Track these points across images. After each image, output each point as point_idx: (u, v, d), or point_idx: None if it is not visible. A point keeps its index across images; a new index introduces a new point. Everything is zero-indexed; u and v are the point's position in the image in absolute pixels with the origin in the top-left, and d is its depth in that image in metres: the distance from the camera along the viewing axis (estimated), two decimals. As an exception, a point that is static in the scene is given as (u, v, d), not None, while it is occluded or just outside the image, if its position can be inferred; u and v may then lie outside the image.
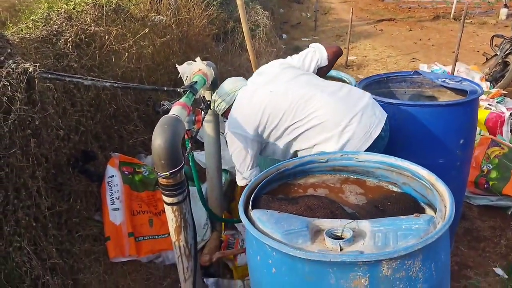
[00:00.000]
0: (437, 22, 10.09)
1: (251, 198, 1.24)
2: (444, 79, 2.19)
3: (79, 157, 2.37)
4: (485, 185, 2.64)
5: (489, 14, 10.56)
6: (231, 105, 1.87)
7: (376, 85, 2.40)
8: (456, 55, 3.93)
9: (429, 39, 8.13)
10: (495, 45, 5.00)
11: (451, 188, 2.09)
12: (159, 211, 2.45)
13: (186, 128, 1.79)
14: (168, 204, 1.49)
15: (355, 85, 2.30)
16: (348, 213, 1.25)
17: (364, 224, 1.08)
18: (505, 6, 9.59)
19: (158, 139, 1.37)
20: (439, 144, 1.95)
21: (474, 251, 2.33)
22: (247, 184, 1.52)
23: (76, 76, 1.78)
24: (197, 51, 4.44)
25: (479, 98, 3.56)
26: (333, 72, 2.57)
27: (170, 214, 1.52)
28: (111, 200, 2.31)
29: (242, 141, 1.80)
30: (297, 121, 1.72)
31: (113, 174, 2.41)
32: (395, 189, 1.42)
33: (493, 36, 5.00)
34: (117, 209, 2.29)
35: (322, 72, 1.98)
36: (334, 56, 2.01)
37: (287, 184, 1.46)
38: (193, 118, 1.78)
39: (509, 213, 2.59)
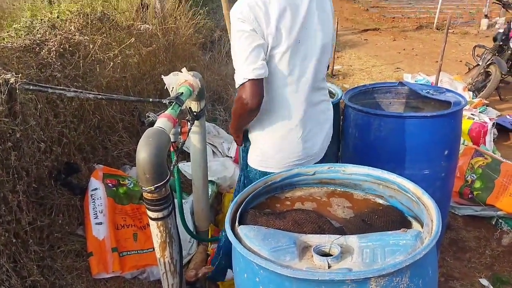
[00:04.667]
0: (421, 32, 10.27)
1: (238, 213, 1.23)
2: (428, 90, 2.21)
3: (61, 170, 2.32)
4: (470, 195, 2.67)
5: (471, 24, 10.79)
6: None
7: (362, 96, 2.41)
8: (440, 65, 3.99)
9: (413, 49, 8.26)
10: (477, 55, 5.11)
11: (436, 198, 2.10)
12: (144, 225, 2.40)
13: (172, 140, 1.77)
14: (152, 219, 1.46)
15: (341, 96, 2.32)
16: (336, 227, 1.24)
17: (352, 240, 1.07)
18: (486, 16, 9.83)
19: (143, 153, 1.34)
20: (424, 155, 1.97)
21: (460, 262, 2.34)
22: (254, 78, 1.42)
23: (59, 87, 1.74)
24: (183, 60, 4.42)
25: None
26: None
27: (155, 230, 1.49)
28: (94, 214, 2.26)
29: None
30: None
31: (96, 186, 2.36)
32: (382, 202, 1.42)
33: (475, 46, 5.11)
34: (100, 223, 2.23)
35: None
36: None
37: (274, 198, 1.45)
38: (179, 130, 1.77)
39: (493, 223, 2.62)
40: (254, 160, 1.70)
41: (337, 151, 2.38)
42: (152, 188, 1.36)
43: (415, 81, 4.70)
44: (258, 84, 1.47)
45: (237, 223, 1.16)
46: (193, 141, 2.19)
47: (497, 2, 4.97)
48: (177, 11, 4.71)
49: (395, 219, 1.29)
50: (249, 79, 1.45)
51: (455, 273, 2.27)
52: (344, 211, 1.37)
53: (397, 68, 6.84)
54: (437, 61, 7.32)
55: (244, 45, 1.46)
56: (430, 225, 1.10)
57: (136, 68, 3.38)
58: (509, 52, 4.63)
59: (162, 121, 1.51)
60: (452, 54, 7.65)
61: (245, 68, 1.45)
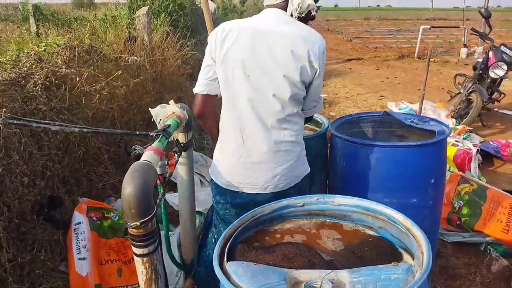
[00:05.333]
0: (402, 61, 10.59)
1: (227, 248, 1.20)
2: (412, 120, 2.25)
3: (44, 204, 2.26)
4: (458, 222, 2.68)
5: (451, 53, 11.20)
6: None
7: (348, 125, 2.44)
8: (423, 94, 4.09)
9: (395, 77, 8.48)
10: (458, 83, 5.26)
11: (425, 227, 2.10)
12: (128, 259, 2.33)
13: (159, 173, 1.75)
14: (138, 255, 1.42)
15: (327, 126, 2.34)
16: (326, 261, 1.22)
17: (343, 275, 1.05)
18: (465, 46, 10.21)
19: (128, 187, 1.32)
20: (411, 184, 1.98)
21: (451, 290, 2.32)
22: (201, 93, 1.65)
23: (44, 121, 1.72)
24: (171, 90, 4.44)
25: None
26: (306, 113, 2.61)
27: (140, 266, 1.44)
28: (77, 249, 2.19)
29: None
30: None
31: (80, 220, 2.30)
32: (371, 233, 1.40)
33: (456, 75, 5.27)
34: (83, 258, 2.16)
35: None
36: (308, 121, 1.93)
37: (263, 231, 1.43)
38: (166, 162, 1.75)
39: (482, 249, 2.62)
40: (210, 168, 1.82)
41: (325, 180, 2.38)
42: (138, 223, 1.33)
43: (399, 109, 4.80)
44: (199, 99, 1.69)
45: (225, 259, 1.14)
46: (180, 172, 2.16)
47: (475, 33, 5.17)
48: (164, 43, 4.78)
49: (385, 251, 1.27)
50: (195, 92, 1.68)
51: (447, 303, 2.24)
52: (334, 243, 1.35)
53: (381, 96, 6.99)
54: (419, 89, 7.53)
55: (204, 61, 1.67)
56: (421, 257, 1.09)
57: (123, 99, 3.38)
58: (489, 80, 4.78)
59: (149, 155, 1.49)
60: (434, 82, 7.87)
61: (197, 81, 1.69)
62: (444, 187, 2.20)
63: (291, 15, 1.64)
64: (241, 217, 1.37)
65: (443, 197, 2.20)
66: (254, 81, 1.59)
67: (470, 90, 4.71)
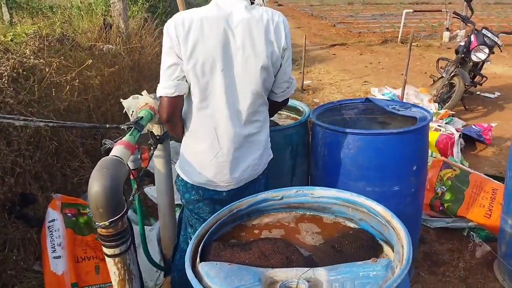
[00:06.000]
0: (386, 46, 10.56)
1: (200, 247, 1.14)
2: (394, 106, 2.21)
3: (16, 201, 2.16)
4: (440, 208, 2.67)
5: (433, 37, 11.19)
6: None
7: (329, 113, 2.39)
8: (405, 80, 4.05)
9: (379, 62, 8.45)
10: (440, 67, 5.25)
11: (407, 214, 2.08)
12: (103, 257, 2.26)
13: (131, 168, 1.67)
14: (109, 256, 1.35)
15: (309, 114, 2.28)
16: (305, 256, 1.17)
17: (321, 273, 1.00)
18: (447, 29, 10.21)
19: (95, 185, 1.24)
20: (393, 172, 1.94)
21: (435, 276, 2.32)
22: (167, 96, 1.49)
23: (7, 116, 1.62)
24: (150, 79, 4.32)
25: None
26: (287, 101, 2.54)
27: (112, 267, 1.38)
28: (52, 248, 2.10)
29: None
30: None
31: (54, 217, 2.21)
32: (352, 225, 1.36)
33: (438, 59, 5.26)
34: (58, 257, 2.08)
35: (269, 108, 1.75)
36: (284, 104, 1.83)
37: (241, 226, 1.37)
38: (139, 156, 1.67)
39: (465, 234, 2.62)
40: (177, 165, 1.71)
41: (307, 170, 2.33)
42: (107, 223, 1.26)
43: (382, 94, 4.77)
44: (168, 102, 1.52)
45: (198, 259, 1.08)
46: (157, 165, 2.09)
47: (456, 16, 5.14)
48: (142, 30, 4.63)
49: (366, 244, 1.23)
50: (160, 95, 1.52)
51: (431, 289, 2.24)
52: (313, 237, 1.30)
53: (365, 81, 6.96)
54: (402, 74, 7.48)
55: (164, 61, 1.51)
56: (401, 252, 1.04)
57: (99, 90, 3.26)
58: (471, 64, 4.77)
59: (119, 149, 1.42)
60: (417, 67, 7.87)
61: (160, 83, 1.52)
62: (426, 173, 2.18)
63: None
64: (217, 213, 1.32)
65: (425, 183, 2.18)
66: (229, 76, 1.50)
67: (452, 74, 4.70)
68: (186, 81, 1.51)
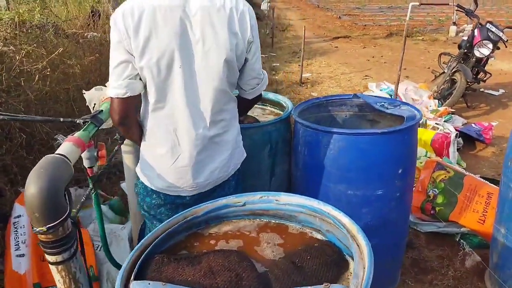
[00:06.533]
0: (391, 39, 10.33)
1: (139, 261, 1.01)
2: (382, 103, 2.06)
3: (-21, 195, 2.06)
4: (432, 211, 2.53)
5: (440, 31, 10.94)
6: None
7: (315, 109, 2.25)
8: (399, 75, 3.88)
9: (382, 56, 8.25)
10: (443, 63, 5.06)
11: (392, 219, 1.94)
12: (76, 253, 2.15)
13: (87, 166, 1.55)
14: (51, 263, 1.24)
15: (291, 109, 2.14)
16: (258, 274, 1.04)
17: (266, 298, 0.87)
18: (454, 24, 9.93)
19: (31, 187, 1.12)
20: (376, 175, 1.80)
21: (421, 285, 2.19)
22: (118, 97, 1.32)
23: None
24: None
25: (425, 119, 3.50)
26: (270, 95, 2.40)
27: (56, 275, 1.27)
28: (15, 245, 2.00)
29: None
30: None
31: (20, 213, 2.10)
32: (319, 236, 1.23)
33: (440, 54, 5.06)
34: (22, 255, 1.97)
35: (240, 106, 1.60)
36: (255, 101, 1.67)
37: (196, 235, 1.24)
38: (95, 153, 1.54)
39: (457, 239, 2.48)
40: (138, 166, 1.56)
41: (289, 169, 2.19)
42: (44, 229, 1.13)
43: (380, 90, 4.60)
44: (119, 103, 1.35)
45: (132, 278, 0.95)
46: (127, 162, 1.97)
47: (460, 9, 4.93)
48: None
49: (330, 259, 1.10)
50: (111, 96, 1.36)
51: (416, 299, 2.11)
52: (273, 250, 1.17)
53: (366, 75, 6.78)
54: (405, 68, 7.34)
55: (112, 57, 1.33)
56: (361, 275, 0.91)
57: (81, 78, 3.13)
58: (474, 59, 4.59)
59: (66, 147, 1.29)
60: (421, 61, 7.66)
61: (110, 83, 1.35)
62: (414, 177, 2.03)
63: None
64: (167, 221, 1.19)
65: (412, 187, 2.04)
66: (188, 72, 1.35)
67: (454, 70, 4.52)
68: (140, 79, 1.35)
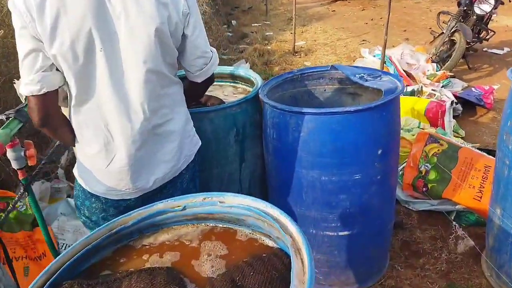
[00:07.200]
0: (391, -1, 9.81)
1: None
2: (362, 75, 1.83)
3: None
4: (424, 188, 2.33)
5: (443, -12, 10.36)
6: None
7: (289, 85, 2.03)
8: (385, 40, 3.58)
9: (381, 18, 7.81)
10: (442, 22, 4.72)
11: (374, 205, 1.75)
12: (39, 255, 2.03)
13: (17, 168, 1.37)
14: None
15: (261, 85, 1.92)
16: (186, 300, 0.87)
17: None
18: (458, -21, 9.40)
19: None
20: (352, 157, 1.60)
21: (412, 270, 2.02)
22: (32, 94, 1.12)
23: None
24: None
25: (421, 85, 3.24)
26: (241, 71, 2.18)
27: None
28: None
29: None
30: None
31: None
32: (270, 243, 1.04)
33: (439, 13, 4.71)
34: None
35: (189, 90, 1.40)
36: (207, 84, 1.44)
37: (126, 249, 1.06)
38: (22, 153, 1.36)
39: (452, 217, 2.29)
40: (75, 167, 1.37)
41: (261, 152, 2.00)
42: None
43: (374, 56, 4.31)
44: (36, 102, 1.15)
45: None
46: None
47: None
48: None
49: (276, 275, 0.92)
50: (24, 94, 1.15)
51: (405, 285, 1.95)
52: (214, 264, 0.99)
53: (363, 40, 6.44)
54: (404, 30, 6.96)
55: (19, 46, 1.10)
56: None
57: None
58: (474, 17, 4.25)
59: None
60: (422, 22, 7.27)
61: (21, 78, 1.13)
62: (398, 156, 1.83)
63: None
64: (87, 236, 1.01)
65: (396, 168, 1.84)
66: (112, 55, 1.13)
67: (453, 30, 4.19)
68: (58, 69, 1.14)
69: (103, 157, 1.24)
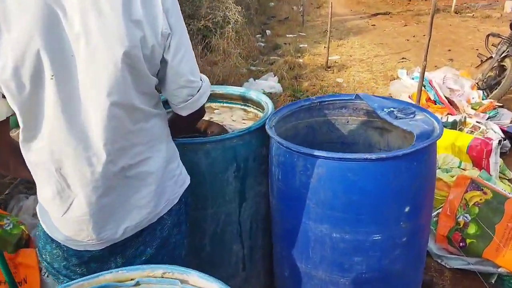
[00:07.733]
0: (436, 16, 9.26)
1: None
2: (391, 110, 1.52)
3: None
4: (461, 243, 1.98)
5: (494, 6, 9.77)
6: None
7: (306, 114, 1.76)
8: (424, 66, 3.22)
9: (424, 35, 7.35)
10: (491, 45, 4.28)
11: (396, 272, 1.42)
12: (20, 281, 1.83)
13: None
14: None
15: (272, 112, 1.65)
16: None
17: None
18: (511, -2, 8.80)
19: None
20: (371, 214, 1.30)
21: None
22: None
23: None
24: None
25: (465, 115, 2.87)
26: (252, 94, 1.92)
27: None
28: None
29: None
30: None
31: None
32: None
33: (488, 35, 4.27)
34: None
35: (174, 122, 1.17)
36: (195, 118, 1.18)
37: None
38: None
39: (493, 282, 1.92)
40: (37, 207, 1.12)
41: (267, 191, 1.72)
42: None
43: (412, 78, 3.94)
44: None
45: None
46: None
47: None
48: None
49: None
50: None
51: None
52: None
53: (403, 58, 6.05)
54: (449, 50, 6.50)
55: None
56: None
57: None
58: (530, 41, 3.80)
59: None
60: (469, 41, 6.78)
61: None
62: (431, 212, 1.50)
63: None
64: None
65: (429, 226, 1.51)
66: (67, 83, 0.90)
67: (503, 55, 3.76)
68: (3, 96, 0.92)
69: (58, 204, 1.01)
